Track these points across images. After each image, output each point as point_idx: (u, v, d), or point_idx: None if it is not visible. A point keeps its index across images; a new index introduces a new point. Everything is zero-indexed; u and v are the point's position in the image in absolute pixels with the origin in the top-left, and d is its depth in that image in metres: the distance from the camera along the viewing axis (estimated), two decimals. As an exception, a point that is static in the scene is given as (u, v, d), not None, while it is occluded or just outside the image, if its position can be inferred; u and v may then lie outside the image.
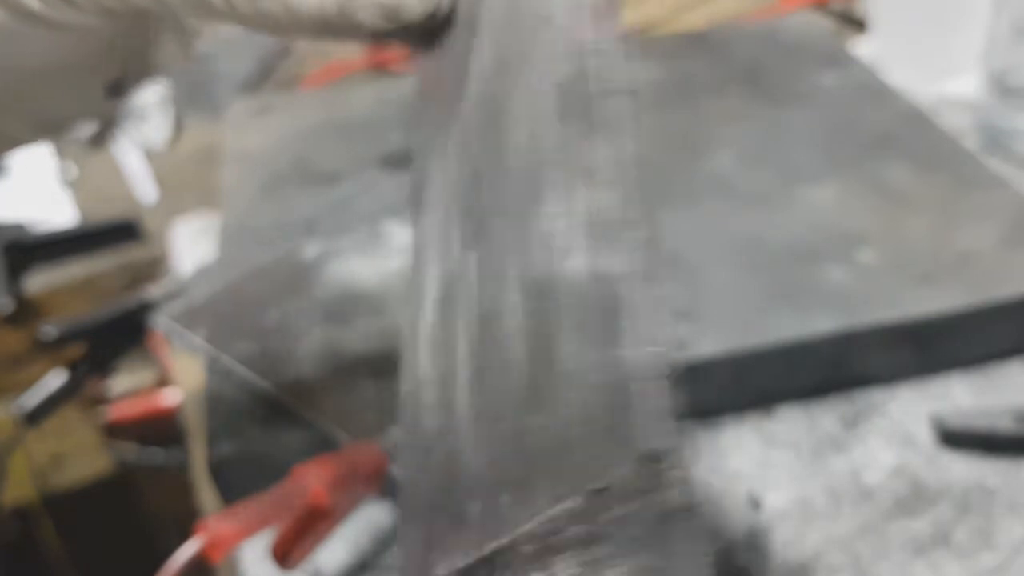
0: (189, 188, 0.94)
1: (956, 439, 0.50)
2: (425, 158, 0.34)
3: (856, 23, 0.99)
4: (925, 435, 0.51)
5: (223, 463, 0.48)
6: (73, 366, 0.56)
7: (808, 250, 0.57)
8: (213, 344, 0.54)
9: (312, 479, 0.42)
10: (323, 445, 0.48)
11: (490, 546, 0.20)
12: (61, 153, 1.03)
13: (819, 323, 0.51)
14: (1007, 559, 0.45)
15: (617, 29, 0.26)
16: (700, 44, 0.83)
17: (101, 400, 0.85)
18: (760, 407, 0.54)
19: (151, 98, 1.04)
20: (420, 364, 0.28)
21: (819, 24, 0.88)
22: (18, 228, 0.85)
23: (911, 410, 0.53)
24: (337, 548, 0.48)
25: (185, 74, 1.16)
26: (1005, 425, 0.49)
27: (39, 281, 0.84)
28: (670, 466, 0.17)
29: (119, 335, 0.56)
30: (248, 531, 0.41)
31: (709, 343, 0.51)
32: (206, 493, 0.54)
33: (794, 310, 0.52)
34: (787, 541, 0.46)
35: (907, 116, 0.69)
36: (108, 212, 0.91)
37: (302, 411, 0.49)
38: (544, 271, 0.23)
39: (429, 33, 0.34)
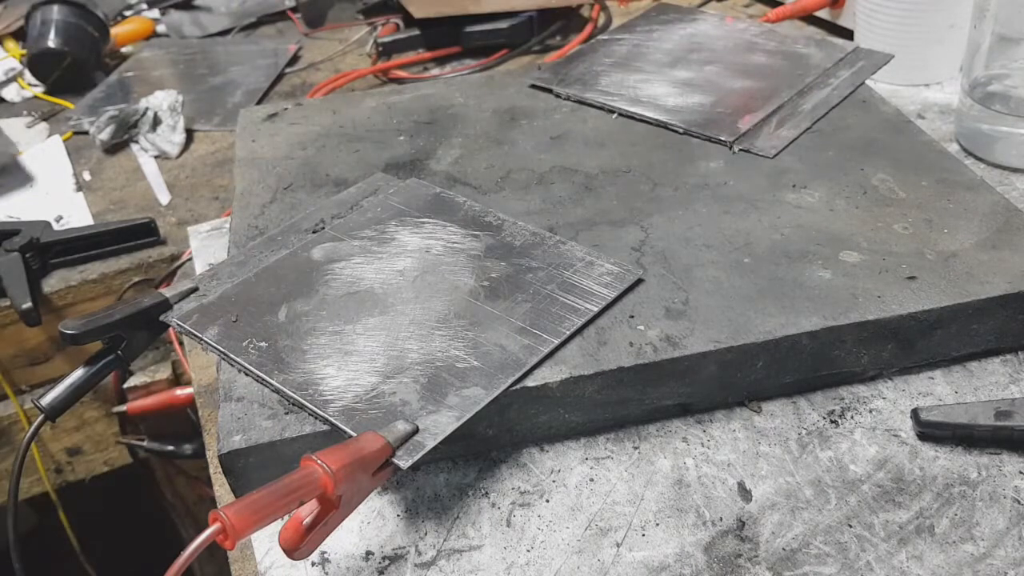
0: (200, 192, 0.96)
1: (938, 433, 0.52)
2: None
3: (842, 33, 1.01)
4: (908, 429, 0.53)
5: (235, 454, 0.49)
6: (90, 362, 0.57)
7: (795, 251, 0.59)
8: (225, 340, 0.55)
9: (320, 470, 0.42)
10: (330, 437, 0.50)
11: None
12: (77, 158, 1.05)
13: (806, 321, 0.53)
14: (989, 549, 0.46)
15: None
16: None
17: (118, 394, 0.87)
18: (749, 402, 0.55)
19: (163, 106, 1.06)
20: None
21: (807, 34, 0.90)
22: (36, 229, 0.86)
23: (895, 405, 0.54)
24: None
25: (196, 83, 1.18)
26: (985, 420, 0.51)
27: (57, 280, 0.86)
28: None
29: (135, 332, 0.57)
30: (260, 520, 0.41)
31: (700, 340, 0.52)
32: (219, 483, 0.56)
33: (782, 309, 0.54)
34: (775, 530, 0.48)
35: (892, 122, 0.71)
36: (122, 215, 0.93)
37: (310, 405, 0.51)
38: None
39: None
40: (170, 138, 1.03)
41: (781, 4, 1.06)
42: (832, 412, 0.54)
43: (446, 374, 0.51)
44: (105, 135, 1.04)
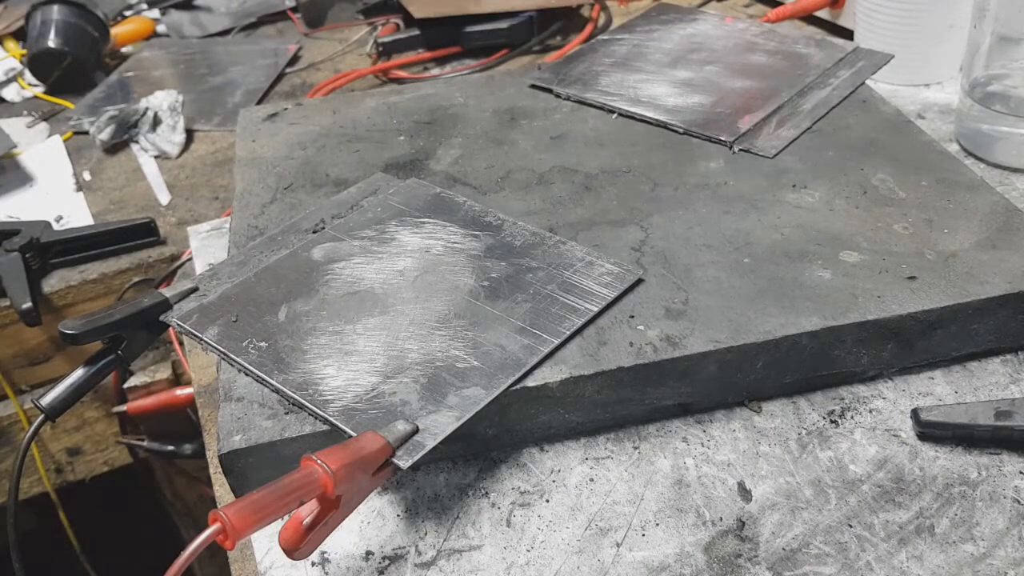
0: (200, 192, 0.96)
1: (938, 433, 0.52)
2: None
3: (842, 33, 1.01)
4: (908, 429, 0.53)
5: (235, 454, 0.49)
6: (90, 362, 0.57)
7: (795, 251, 0.59)
8: (225, 340, 0.55)
9: (320, 470, 0.42)
10: (330, 437, 0.50)
11: None
12: (77, 158, 1.05)
13: (806, 321, 0.53)
14: (989, 549, 0.46)
15: None
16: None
17: (118, 394, 0.87)
18: (749, 402, 0.55)
19: (163, 106, 1.06)
20: None
21: (807, 34, 0.90)
22: (36, 229, 0.87)
23: (895, 405, 0.54)
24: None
25: (196, 83, 1.18)
26: (985, 420, 0.51)
27: (57, 280, 0.86)
28: None
29: (135, 332, 0.57)
30: (260, 520, 0.41)
31: (700, 340, 0.52)
32: (219, 483, 0.56)
33: (782, 309, 0.54)
34: (775, 530, 0.48)
35: (892, 122, 0.71)
36: (122, 215, 0.93)
37: (310, 405, 0.51)
38: None
39: None
40: (170, 138, 1.03)
41: (781, 4, 1.06)
42: (832, 412, 0.54)
43: (446, 374, 0.51)
44: (105, 135, 1.04)
